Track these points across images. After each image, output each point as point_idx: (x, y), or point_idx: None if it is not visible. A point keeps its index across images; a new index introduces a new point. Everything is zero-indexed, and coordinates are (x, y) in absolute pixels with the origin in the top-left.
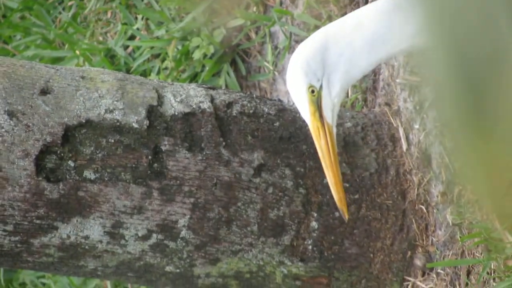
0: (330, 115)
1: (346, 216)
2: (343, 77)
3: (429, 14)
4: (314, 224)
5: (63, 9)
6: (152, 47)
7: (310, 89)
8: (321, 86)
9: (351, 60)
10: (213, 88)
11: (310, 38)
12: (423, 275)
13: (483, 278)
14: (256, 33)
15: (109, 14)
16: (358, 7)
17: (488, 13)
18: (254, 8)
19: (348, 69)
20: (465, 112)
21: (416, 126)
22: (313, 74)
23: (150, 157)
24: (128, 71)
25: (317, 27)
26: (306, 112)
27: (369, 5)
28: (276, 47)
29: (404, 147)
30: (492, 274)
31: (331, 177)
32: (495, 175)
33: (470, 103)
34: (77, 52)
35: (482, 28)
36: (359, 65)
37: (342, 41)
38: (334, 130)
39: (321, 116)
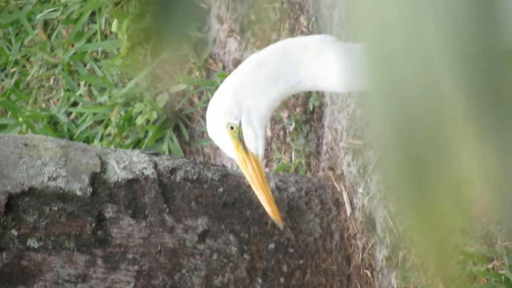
0: (253, 146)
1: (280, 224)
2: (258, 113)
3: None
4: None
5: (6, 75)
6: (95, 113)
7: (229, 126)
8: (240, 123)
9: (257, 97)
10: (157, 154)
11: (224, 81)
12: None
13: None
14: (199, 98)
15: (51, 81)
16: None
17: (430, 73)
18: (197, 73)
19: (257, 107)
20: (407, 173)
21: (360, 190)
22: (230, 114)
23: (93, 224)
24: (71, 138)
25: None
26: (229, 147)
27: (273, 44)
28: None
29: (348, 211)
30: None
31: (261, 195)
32: (439, 238)
33: (411, 163)
34: (20, 119)
35: (424, 86)
36: (264, 102)
37: (248, 79)
38: (260, 160)
39: (244, 148)
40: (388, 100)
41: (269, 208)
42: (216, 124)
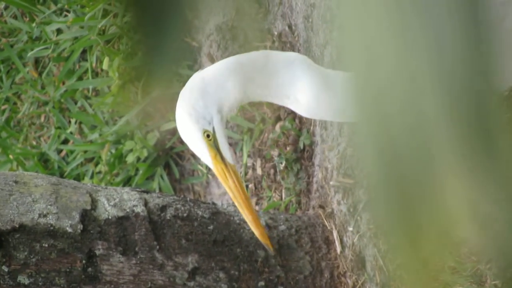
0: (229, 156)
1: (271, 249)
2: (225, 120)
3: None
4: None
5: None
6: (85, 151)
7: (206, 134)
8: (213, 129)
9: (227, 100)
10: (147, 192)
11: (189, 85)
12: None
13: None
14: None
15: (42, 118)
16: (293, 112)
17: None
18: None
19: (227, 112)
20: (395, 211)
21: (350, 229)
22: (203, 119)
23: (84, 261)
24: (61, 175)
25: (250, 130)
26: (207, 157)
27: (256, 52)
28: None
29: (339, 249)
30: None
31: (247, 215)
32: (428, 276)
33: (399, 201)
34: (11, 156)
35: (412, 123)
36: (234, 106)
37: (220, 80)
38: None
39: (222, 158)
40: (374, 134)
41: (256, 230)
42: (191, 132)
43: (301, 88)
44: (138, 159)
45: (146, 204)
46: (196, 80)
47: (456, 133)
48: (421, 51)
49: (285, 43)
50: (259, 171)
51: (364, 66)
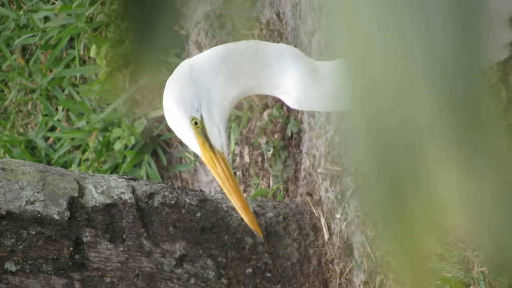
0: (219, 143)
1: (261, 235)
2: (218, 106)
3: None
4: None
5: None
6: (73, 138)
7: (193, 121)
8: (201, 117)
9: (217, 90)
10: (134, 179)
11: (177, 73)
12: None
13: None
14: None
15: (29, 106)
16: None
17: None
18: None
19: (216, 100)
20: (385, 197)
21: (338, 216)
22: (191, 107)
23: (71, 248)
24: (49, 163)
25: (238, 117)
26: (195, 145)
27: (246, 41)
28: None
29: (326, 236)
30: None
31: (236, 202)
32: (416, 263)
33: (389, 188)
34: None
35: (403, 109)
36: (224, 96)
37: (210, 69)
38: (226, 157)
39: (210, 146)
40: (366, 122)
41: (246, 217)
42: (178, 120)
43: (291, 80)
44: (126, 146)
45: (133, 191)
46: (183, 68)
47: (446, 116)
48: (411, 36)
49: (273, 31)
50: (246, 158)
51: (354, 53)
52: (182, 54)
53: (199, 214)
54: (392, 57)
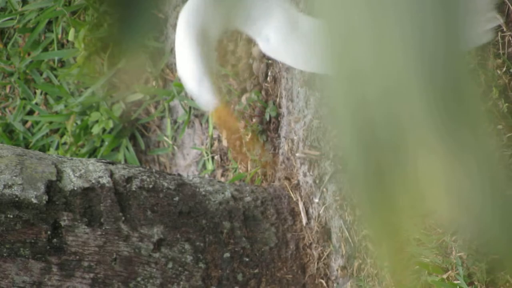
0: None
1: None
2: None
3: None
4: None
5: None
6: (51, 122)
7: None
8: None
9: (213, 26)
10: (112, 163)
11: (180, 23)
12: None
13: None
14: (156, 107)
15: (7, 89)
16: (258, 81)
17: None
18: (154, 83)
19: (213, 38)
20: (365, 179)
21: (316, 200)
22: (201, 46)
23: (49, 232)
24: (27, 146)
25: None
26: (210, 93)
27: None
28: (175, 122)
29: (304, 221)
30: None
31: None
32: (395, 248)
33: (370, 169)
34: None
35: (384, 83)
36: (217, 34)
37: (201, 11)
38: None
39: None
40: (344, 93)
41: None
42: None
43: (272, 27)
44: (104, 130)
45: (111, 175)
46: (183, 15)
47: (428, 93)
48: (392, 10)
49: None
50: (224, 142)
51: (335, 16)
52: (160, 37)
53: (177, 198)
54: (371, 25)
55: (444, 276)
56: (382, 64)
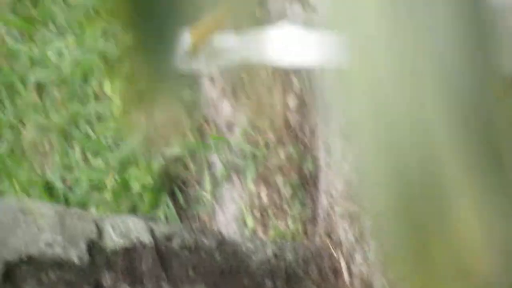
0: None
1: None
2: None
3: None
4: None
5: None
6: (90, 179)
7: None
8: None
9: None
10: (153, 220)
11: None
12: None
13: None
14: (193, 162)
15: (46, 144)
16: (295, 134)
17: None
18: (191, 137)
19: None
20: (404, 239)
21: (358, 257)
22: None
23: None
24: (66, 203)
25: (254, 155)
26: None
27: None
28: (214, 176)
29: (346, 279)
30: None
31: None
32: None
33: (408, 228)
34: (16, 185)
35: (418, 138)
36: None
37: None
38: None
39: None
40: (380, 151)
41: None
42: None
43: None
44: (143, 186)
45: (152, 233)
46: None
47: (464, 147)
48: (421, 46)
49: None
50: (264, 198)
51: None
52: (195, 88)
53: (218, 257)
54: (400, 67)
55: None
56: (415, 108)
